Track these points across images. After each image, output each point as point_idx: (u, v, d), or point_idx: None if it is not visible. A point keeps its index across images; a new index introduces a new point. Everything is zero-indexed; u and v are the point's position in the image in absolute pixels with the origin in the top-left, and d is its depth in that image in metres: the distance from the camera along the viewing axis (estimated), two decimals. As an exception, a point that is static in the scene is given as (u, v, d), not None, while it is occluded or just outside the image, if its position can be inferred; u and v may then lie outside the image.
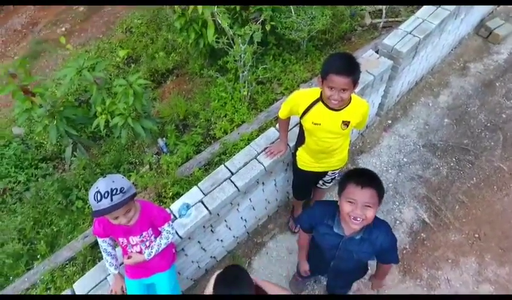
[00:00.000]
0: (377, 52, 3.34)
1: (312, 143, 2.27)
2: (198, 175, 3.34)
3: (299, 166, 2.52)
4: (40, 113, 3.32)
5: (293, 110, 2.24)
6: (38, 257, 3.28)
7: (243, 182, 2.47)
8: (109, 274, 2.21)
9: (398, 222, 3.19)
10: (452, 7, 3.52)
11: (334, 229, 1.78)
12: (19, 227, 3.48)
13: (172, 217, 2.36)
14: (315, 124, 2.13)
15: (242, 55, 3.55)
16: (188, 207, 2.38)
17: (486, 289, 2.81)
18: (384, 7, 4.53)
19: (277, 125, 2.68)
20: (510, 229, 3.08)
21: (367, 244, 1.76)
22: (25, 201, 3.72)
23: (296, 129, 2.52)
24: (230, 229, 2.82)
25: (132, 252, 2.02)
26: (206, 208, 2.37)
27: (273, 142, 2.67)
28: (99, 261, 2.42)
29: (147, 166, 3.73)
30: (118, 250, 2.17)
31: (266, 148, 2.62)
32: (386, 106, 3.81)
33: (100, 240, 2.05)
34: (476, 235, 3.07)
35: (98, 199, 1.62)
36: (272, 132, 2.76)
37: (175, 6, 3.76)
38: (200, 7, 3.49)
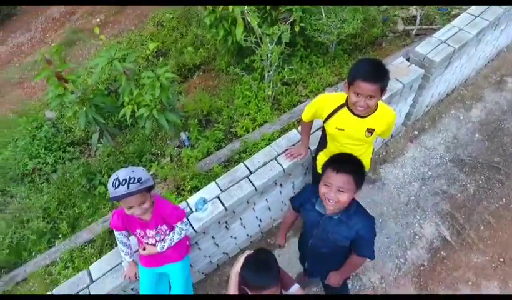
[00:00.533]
0: (408, 59, 3.24)
1: (334, 148, 2.24)
2: (217, 171, 3.36)
3: (319, 170, 2.48)
4: (72, 99, 3.45)
5: (317, 113, 2.21)
6: (60, 236, 3.42)
7: (261, 181, 2.47)
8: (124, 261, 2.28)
9: (417, 237, 3.08)
10: (492, 17, 3.36)
11: (316, 207, 1.88)
12: (44, 206, 3.65)
13: (188, 210, 2.39)
14: (339, 129, 2.09)
15: (269, 55, 3.55)
16: (205, 201, 2.41)
17: (507, 316, 2.68)
18: (418, 13, 4.40)
19: (299, 128, 2.65)
20: (538, 255, 2.92)
21: (344, 227, 1.82)
22: (51, 182, 3.88)
23: (319, 133, 2.48)
24: (244, 227, 2.82)
25: (147, 244, 2.09)
26: (223, 204, 2.39)
27: (294, 144, 2.65)
28: (116, 246, 2.48)
29: (168, 158, 3.80)
30: (133, 239, 2.23)
31: (286, 150, 2.60)
32: (414, 116, 3.70)
33: (116, 233, 2.13)
34: (501, 260, 2.93)
35: (116, 185, 1.70)
36: (294, 134, 2.74)
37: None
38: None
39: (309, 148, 2.58)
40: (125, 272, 2.23)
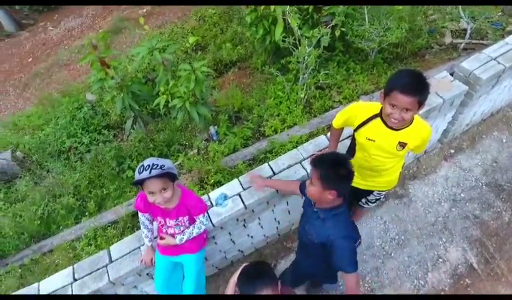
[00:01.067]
0: (452, 74, 3.08)
1: (362, 158, 2.17)
2: (242, 168, 3.38)
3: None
4: (111, 84, 3.59)
5: (349, 121, 2.15)
6: (86, 214, 3.58)
7: (283, 184, 2.44)
8: (143, 244, 2.34)
9: (440, 260, 2.93)
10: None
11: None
12: (75, 184, 3.84)
13: (209, 204, 2.41)
14: (369, 139, 2.02)
15: (306, 58, 3.51)
16: (225, 197, 2.42)
17: None
18: (469, 26, 4.16)
19: (328, 134, 2.60)
20: None
21: (320, 225, 1.86)
22: (84, 161, 4.07)
23: (347, 141, 2.42)
24: (262, 227, 2.81)
25: (166, 233, 2.14)
26: (243, 202, 2.39)
27: (321, 150, 2.60)
28: (137, 230, 2.57)
29: (196, 150, 3.86)
30: (155, 224, 2.29)
31: (313, 155, 2.56)
32: (452, 134, 3.51)
33: (140, 215, 2.19)
34: (532, 296, 2.72)
35: (140, 171, 1.78)
36: (322, 140, 2.69)
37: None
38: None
39: (336, 155, 2.51)
40: (142, 256, 2.30)
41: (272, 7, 3.55)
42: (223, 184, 2.59)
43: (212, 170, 3.44)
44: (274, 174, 2.51)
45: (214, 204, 2.42)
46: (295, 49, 3.55)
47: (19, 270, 3.33)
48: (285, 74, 4.05)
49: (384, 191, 2.41)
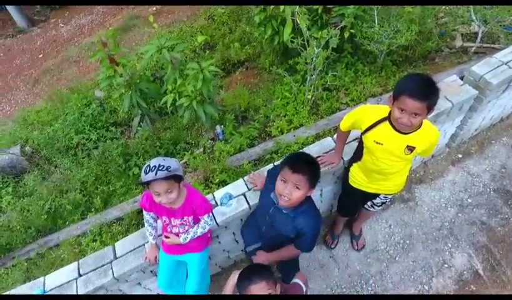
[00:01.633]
0: (462, 78, 3.04)
1: (369, 161, 2.16)
2: (247, 168, 3.38)
3: (350, 182, 2.41)
4: (119, 81, 3.62)
5: (356, 124, 2.13)
6: (92, 210, 3.62)
7: (288, 185, 2.43)
8: (147, 242, 2.35)
9: (445, 265, 2.90)
10: None
11: (272, 195, 1.99)
12: (82, 179, 3.87)
13: (214, 203, 2.42)
14: (377, 143, 2.01)
15: (314, 59, 3.49)
16: (230, 197, 2.42)
17: None
18: (480, 30, 4.10)
19: (335, 136, 2.59)
20: None
21: (290, 223, 1.96)
22: (92, 158, 4.11)
23: (354, 144, 2.41)
24: (267, 228, 2.81)
25: (170, 232, 2.16)
26: (248, 202, 2.39)
27: (326, 152, 2.59)
28: (142, 227, 2.58)
29: (201, 149, 3.87)
30: (160, 222, 2.30)
31: (318, 156, 2.55)
32: (460, 138, 3.47)
33: (145, 213, 2.20)
34: (539, 305, 2.68)
35: (146, 171, 1.79)
36: (328, 142, 2.68)
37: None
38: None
39: (342, 158, 2.50)
40: (146, 253, 2.31)
41: (281, 7, 3.54)
42: (228, 184, 2.59)
43: (218, 170, 3.44)
44: (279, 174, 2.50)
45: (219, 203, 2.42)
46: (303, 49, 3.53)
47: (25, 264, 3.37)
48: (293, 75, 4.04)
49: (391, 195, 2.40)
